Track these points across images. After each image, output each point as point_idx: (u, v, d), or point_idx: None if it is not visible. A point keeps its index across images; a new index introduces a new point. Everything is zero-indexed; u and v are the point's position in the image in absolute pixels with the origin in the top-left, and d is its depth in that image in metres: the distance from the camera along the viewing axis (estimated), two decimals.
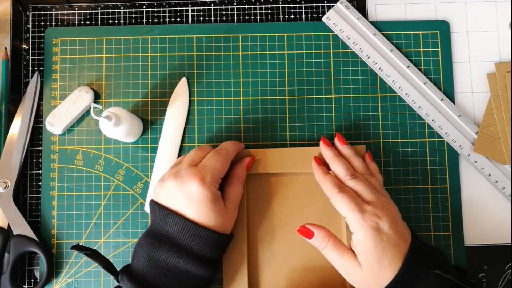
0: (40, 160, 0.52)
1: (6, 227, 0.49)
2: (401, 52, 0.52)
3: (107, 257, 0.50)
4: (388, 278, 0.40)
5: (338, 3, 0.53)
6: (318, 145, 0.48)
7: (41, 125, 0.52)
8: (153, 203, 0.43)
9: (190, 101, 0.52)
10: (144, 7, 0.54)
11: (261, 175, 0.49)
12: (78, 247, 0.42)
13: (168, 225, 0.41)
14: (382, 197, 0.43)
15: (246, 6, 0.54)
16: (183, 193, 0.41)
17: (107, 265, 0.42)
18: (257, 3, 0.54)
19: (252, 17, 0.54)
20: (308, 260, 0.48)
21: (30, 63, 0.53)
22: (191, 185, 0.41)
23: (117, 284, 0.42)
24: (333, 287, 0.48)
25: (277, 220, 0.49)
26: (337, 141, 0.48)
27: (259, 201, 0.49)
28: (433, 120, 0.51)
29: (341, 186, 0.43)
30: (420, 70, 0.52)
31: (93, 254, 0.42)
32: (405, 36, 0.53)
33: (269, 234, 0.49)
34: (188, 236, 0.41)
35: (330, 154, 0.46)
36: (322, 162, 0.47)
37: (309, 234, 0.43)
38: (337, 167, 0.45)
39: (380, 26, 0.53)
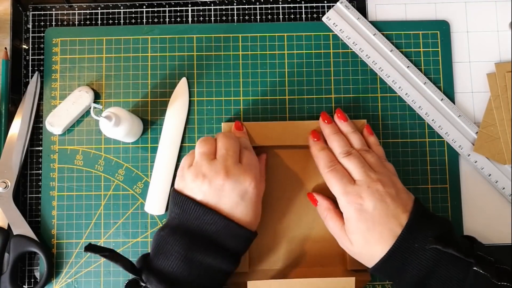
0: (40, 160, 0.52)
1: (6, 227, 0.49)
2: (401, 52, 0.52)
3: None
4: (378, 254, 0.40)
5: (338, 3, 0.53)
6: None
7: (41, 125, 0.52)
8: (183, 197, 0.41)
9: (190, 101, 0.52)
10: (144, 7, 0.54)
11: (263, 148, 0.49)
12: (93, 248, 0.39)
13: (205, 223, 0.40)
14: (372, 174, 0.42)
15: (246, 6, 0.54)
16: (237, 192, 0.41)
17: (128, 266, 0.39)
18: (257, 3, 0.54)
19: (252, 17, 0.54)
20: (308, 231, 0.49)
21: (30, 63, 0.53)
22: (248, 183, 0.41)
23: (133, 279, 0.39)
24: (333, 258, 0.49)
25: (277, 192, 0.49)
26: (336, 118, 0.48)
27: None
28: (433, 120, 0.51)
29: (331, 165, 0.44)
30: (420, 70, 0.52)
31: (112, 256, 0.39)
32: (405, 36, 0.53)
33: (270, 206, 0.49)
34: (227, 236, 0.41)
35: (329, 131, 0.47)
36: (319, 137, 0.47)
37: (314, 202, 0.47)
38: (334, 144, 0.46)
39: (380, 26, 0.53)
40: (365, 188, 0.41)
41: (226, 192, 0.41)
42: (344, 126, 0.47)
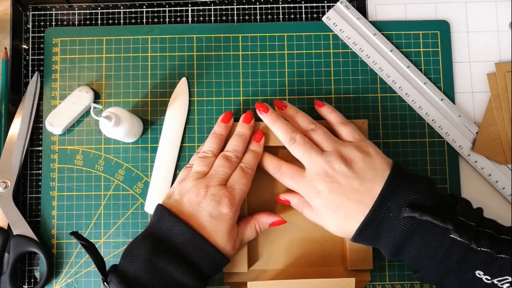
0: (40, 160, 0.52)
1: (6, 227, 0.49)
2: (401, 52, 0.52)
3: (107, 257, 0.50)
4: (352, 230, 0.41)
5: (338, 3, 0.53)
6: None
7: (41, 125, 0.52)
8: (162, 207, 0.43)
9: (190, 101, 0.52)
10: (144, 7, 0.54)
11: (265, 147, 0.48)
12: (77, 235, 0.41)
13: (174, 233, 0.41)
14: (319, 157, 0.42)
15: (246, 6, 0.54)
16: (208, 211, 0.42)
17: (100, 264, 0.40)
18: (257, 3, 0.54)
19: (252, 17, 0.54)
20: (308, 232, 0.49)
21: (30, 63, 0.53)
22: (221, 206, 0.42)
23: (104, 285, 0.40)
24: (333, 258, 0.49)
25: (276, 193, 0.49)
26: (276, 108, 0.47)
27: (260, 174, 0.49)
28: (433, 120, 0.51)
29: (277, 169, 0.45)
30: (420, 70, 0.52)
31: (89, 248, 0.40)
32: (405, 36, 0.53)
33: (269, 207, 0.49)
34: (193, 249, 0.41)
35: (269, 120, 0.46)
36: (258, 138, 0.46)
37: (287, 203, 0.47)
38: (278, 134, 0.45)
39: (380, 26, 0.53)
40: (314, 176, 0.42)
41: (201, 209, 0.42)
42: (287, 111, 0.46)
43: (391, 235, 0.39)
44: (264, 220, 0.46)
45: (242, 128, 0.47)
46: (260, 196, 0.49)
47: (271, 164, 0.46)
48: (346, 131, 0.45)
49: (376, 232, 0.40)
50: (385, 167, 0.41)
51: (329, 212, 0.41)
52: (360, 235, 0.41)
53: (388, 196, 0.39)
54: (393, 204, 0.39)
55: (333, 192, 0.41)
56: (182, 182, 0.45)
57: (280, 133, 0.45)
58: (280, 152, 0.50)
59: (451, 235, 0.37)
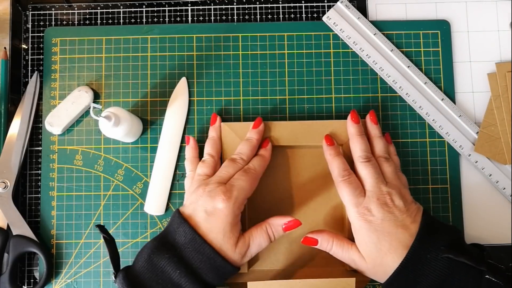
0: (40, 160, 0.52)
1: (5, 227, 0.49)
2: (402, 51, 0.52)
3: (106, 258, 0.50)
4: (391, 266, 0.41)
5: (338, 3, 0.53)
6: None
7: (40, 125, 0.52)
8: (176, 210, 0.44)
9: (190, 101, 0.52)
10: (144, 6, 0.54)
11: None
12: (101, 228, 0.43)
13: (178, 234, 0.41)
14: (383, 186, 0.43)
15: (246, 6, 0.54)
16: (204, 207, 0.42)
17: (115, 258, 0.42)
18: (257, 3, 0.54)
19: (252, 16, 0.54)
20: (308, 232, 0.48)
21: (29, 62, 0.53)
22: (216, 201, 0.42)
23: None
24: (333, 259, 0.48)
25: (276, 193, 0.49)
26: (368, 119, 0.48)
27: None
28: (433, 120, 0.51)
29: (345, 174, 0.44)
30: (421, 69, 0.52)
31: (110, 242, 0.42)
32: (405, 35, 0.53)
33: (269, 207, 0.49)
34: (192, 250, 0.41)
35: (354, 131, 0.46)
36: (333, 142, 0.47)
37: (314, 242, 0.45)
38: (356, 146, 0.46)
39: (380, 25, 0.53)
40: (374, 200, 0.42)
41: (198, 206, 0.42)
42: (374, 129, 0.48)
43: (431, 276, 0.40)
44: (276, 222, 0.43)
45: (250, 133, 0.48)
46: (260, 196, 0.49)
47: (340, 167, 0.45)
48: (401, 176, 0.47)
49: (413, 275, 0.40)
50: (418, 211, 0.43)
51: (374, 238, 0.41)
52: (398, 276, 0.41)
53: (424, 237, 0.41)
54: (430, 245, 0.40)
55: (386, 220, 0.42)
56: (189, 187, 0.46)
57: (359, 147, 0.46)
58: (286, 152, 0.49)
59: (486, 276, 0.39)
